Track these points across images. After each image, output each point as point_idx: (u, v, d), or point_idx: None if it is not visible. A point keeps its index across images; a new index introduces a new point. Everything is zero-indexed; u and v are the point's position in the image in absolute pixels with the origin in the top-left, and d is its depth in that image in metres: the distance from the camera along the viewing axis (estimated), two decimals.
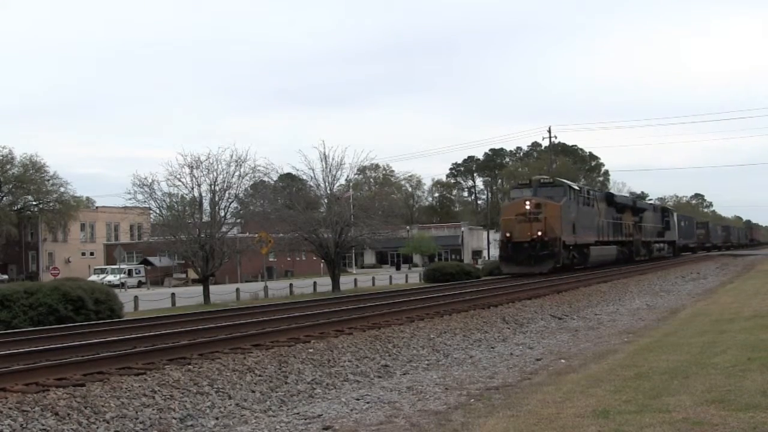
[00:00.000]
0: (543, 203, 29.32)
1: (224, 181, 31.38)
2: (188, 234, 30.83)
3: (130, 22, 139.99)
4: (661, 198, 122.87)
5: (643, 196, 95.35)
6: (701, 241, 75.54)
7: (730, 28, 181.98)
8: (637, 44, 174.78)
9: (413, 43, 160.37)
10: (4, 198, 65.03)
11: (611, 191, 44.87)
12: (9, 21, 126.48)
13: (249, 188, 36.94)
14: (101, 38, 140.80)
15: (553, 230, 28.99)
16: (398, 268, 70.51)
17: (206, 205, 32.06)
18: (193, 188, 31.50)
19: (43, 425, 6.68)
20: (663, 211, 53.23)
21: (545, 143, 72.87)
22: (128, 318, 18.59)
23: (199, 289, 31.99)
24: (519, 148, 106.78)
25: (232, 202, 33.53)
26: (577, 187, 32.88)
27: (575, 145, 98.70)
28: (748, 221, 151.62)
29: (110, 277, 52.45)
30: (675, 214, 58.37)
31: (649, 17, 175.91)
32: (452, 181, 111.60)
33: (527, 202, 29.28)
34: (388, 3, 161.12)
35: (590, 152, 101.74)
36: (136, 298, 28.16)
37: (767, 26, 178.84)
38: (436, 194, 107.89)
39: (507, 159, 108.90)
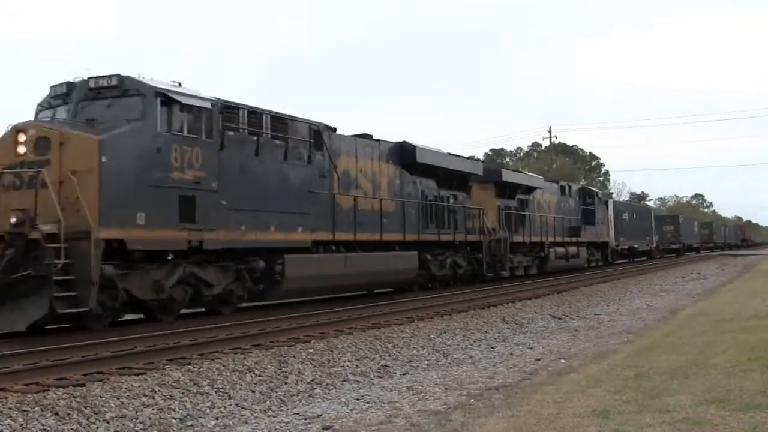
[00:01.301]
0: (55, 136, 11.45)
1: None
2: None
3: (128, 22, 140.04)
4: (661, 198, 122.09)
5: (643, 196, 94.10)
6: (668, 240, 59.36)
7: (729, 28, 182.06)
8: (637, 44, 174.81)
9: (414, 42, 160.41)
10: None
11: (415, 144, 19.89)
12: (8, 21, 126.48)
13: None
14: (101, 38, 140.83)
15: (84, 208, 10.98)
16: None
17: None
18: None
19: (43, 425, 6.67)
20: (584, 195, 34.68)
21: (545, 143, 72.86)
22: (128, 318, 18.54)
23: None
24: (519, 148, 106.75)
25: None
26: (227, 104, 13.57)
27: (575, 145, 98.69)
28: (748, 221, 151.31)
29: None
30: (611, 203, 40.45)
31: (650, 17, 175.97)
32: None
33: (22, 136, 11.52)
34: (390, 2, 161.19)
35: (590, 152, 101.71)
36: None
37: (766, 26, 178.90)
38: None
39: (507, 159, 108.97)
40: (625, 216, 43.58)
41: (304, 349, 10.73)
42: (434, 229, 20.17)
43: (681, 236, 61.36)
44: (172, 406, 7.62)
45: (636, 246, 45.90)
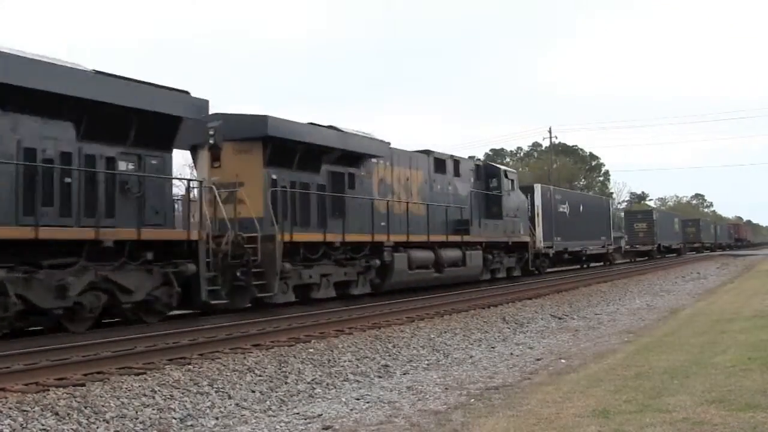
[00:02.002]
0: None
1: None
2: None
3: (125, 20, 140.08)
4: (661, 198, 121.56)
5: (643, 196, 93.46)
6: (640, 240, 50.10)
7: (730, 28, 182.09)
8: (636, 44, 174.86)
9: (414, 42, 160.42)
10: None
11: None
12: (8, 21, 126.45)
13: None
14: (100, 37, 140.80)
15: None
16: None
17: None
18: None
19: (43, 425, 6.67)
20: (485, 176, 24.43)
21: (546, 143, 72.91)
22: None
23: None
24: (519, 148, 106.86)
25: None
26: None
27: (575, 145, 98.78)
28: (748, 221, 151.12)
29: None
30: (539, 189, 30.14)
31: (649, 17, 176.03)
32: None
33: None
34: (389, 1, 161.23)
35: (590, 152, 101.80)
36: None
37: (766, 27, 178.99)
38: None
39: (508, 159, 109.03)
40: (564, 208, 32.75)
41: (304, 349, 10.73)
42: (54, 218, 11.22)
43: (656, 235, 51.08)
44: (172, 406, 7.63)
45: (586, 248, 35.48)
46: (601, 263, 40.07)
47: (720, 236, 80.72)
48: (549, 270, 31.25)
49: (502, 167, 26.58)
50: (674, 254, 56.96)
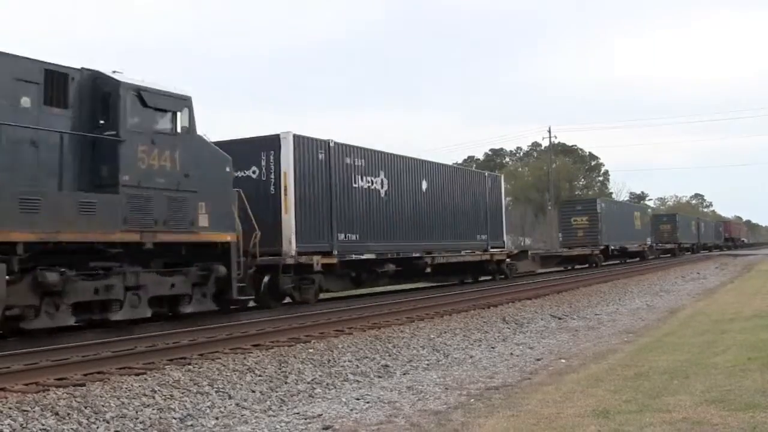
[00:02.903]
0: None
1: None
2: None
3: (125, 21, 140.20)
4: (661, 198, 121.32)
5: (643, 196, 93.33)
6: (578, 240, 36.58)
7: (730, 28, 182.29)
8: (636, 44, 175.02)
9: (414, 42, 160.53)
10: None
11: None
12: (7, 21, 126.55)
13: None
14: (99, 37, 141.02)
15: None
16: None
17: None
18: None
19: (43, 425, 6.68)
20: (79, 92, 11.22)
21: (545, 143, 72.89)
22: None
23: None
24: (519, 148, 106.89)
25: None
26: None
27: (575, 145, 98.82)
28: (748, 220, 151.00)
29: None
30: (290, 140, 16.10)
31: (650, 17, 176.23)
32: None
33: None
34: (390, 1, 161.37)
35: (590, 152, 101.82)
36: None
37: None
38: None
39: (507, 159, 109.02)
40: (375, 183, 19.17)
41: (304, 349, 10.73)
42: None
43: (602, 234, 36.87)
44: (172, 406, 7.63)
45: (435, 254, 21.20)
46: (490, 278, 25.18)
47: (704, 235, 66.46)
48: (326, 296, 17.98)
49: (128, 80, 12.02)
50: (633, 258, 44.10)
